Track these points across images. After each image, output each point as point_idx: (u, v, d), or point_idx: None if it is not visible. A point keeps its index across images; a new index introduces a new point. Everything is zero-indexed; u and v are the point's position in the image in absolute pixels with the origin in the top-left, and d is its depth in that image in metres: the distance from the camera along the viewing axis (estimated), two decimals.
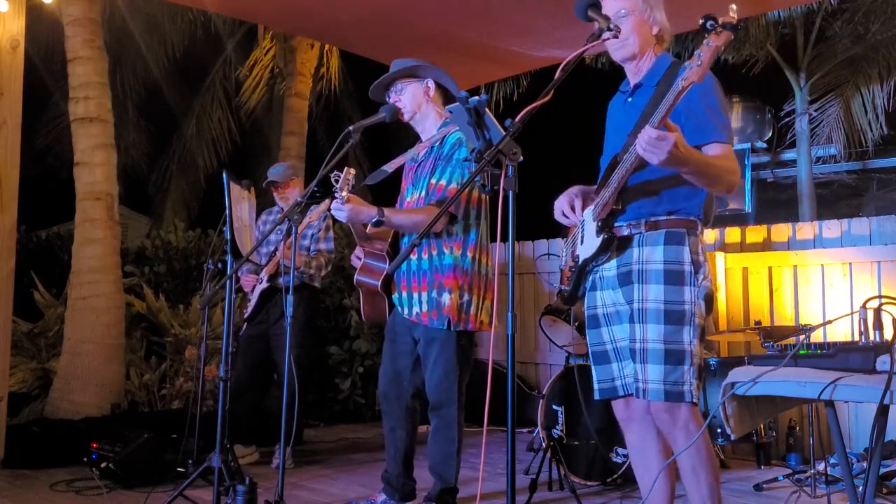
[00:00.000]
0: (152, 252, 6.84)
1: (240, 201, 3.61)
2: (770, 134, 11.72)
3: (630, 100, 2.41)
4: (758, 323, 4.00)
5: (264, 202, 4.82)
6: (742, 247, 4.93)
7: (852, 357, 2.06)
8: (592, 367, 2.47)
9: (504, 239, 1.88)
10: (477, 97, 2.20)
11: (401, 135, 9.07)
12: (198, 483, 3.26)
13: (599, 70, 9.15)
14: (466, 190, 3.08)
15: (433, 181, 3.15)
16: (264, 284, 4.36)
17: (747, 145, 10.04)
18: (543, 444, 3.72)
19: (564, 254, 2.59)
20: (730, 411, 2.26)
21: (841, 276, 4.48)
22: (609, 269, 2.38)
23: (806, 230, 4.74)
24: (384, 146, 10.40)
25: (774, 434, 4.25)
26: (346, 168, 2.93)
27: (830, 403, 2.21)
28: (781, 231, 4.82)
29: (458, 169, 3.09)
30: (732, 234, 5.00)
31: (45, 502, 3.47)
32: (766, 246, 4.84)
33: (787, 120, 10.91)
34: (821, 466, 3.54)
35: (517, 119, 1.92)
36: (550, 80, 1.95)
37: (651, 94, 2.27)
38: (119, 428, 4.02)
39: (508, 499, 1.82)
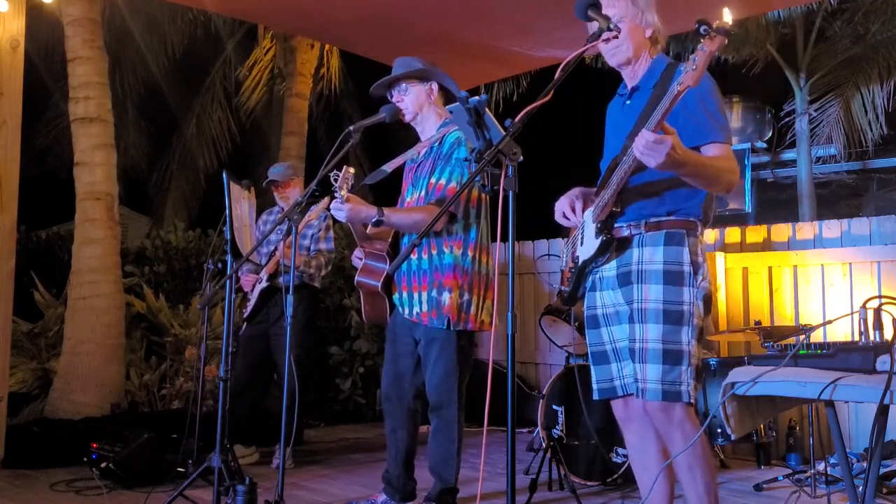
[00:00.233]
0: (152, 252, 6.84)
1: (240, 201, 3.61)
2: (770, 134, 11.73)
3: (628, 102, 2.42)
4: (758, 323, 3.99)
5: (264, 202, 4.82)
6: (742, 247, 4.94)
7: (852, 357, 2.06)
8: (591, 368, 2.47)
9: (504, 239, 1.88)
10: (477, 97, 2.20)
11: (401, 135, 9.06)
12: (198, 483, 3.26)
13: (599, 70, 9.12)
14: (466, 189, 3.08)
15: (432, 180, 3.15)
16: (264, 284, 4.36)
17: (747, 145, 10.04)
18: (543, 444, 3.72)
19: (565, 255, 2.59)
20: (730, 411, 2.26)
21: (841, 276, 4.48)
22: (609, 269, 2.39)
23: (806, 230, 4.74)
24: (384, 146, 10.39)
25: (774, 434, 4.25)
26: (344, 167, 2.93)
27: (830, 403, 2.21)
28: (781, 231, 4.82)
29: (458, 168, 3.09)
30: (732, 234, 5.00)
31: (45, 502, 3.47)
32: (766, 246, 4.84)
33: (787, 120, 10.92)
34: (821, 466, 3.54)
35: (517, 119, 1.92)
36: (550, 80, 1.95)
37: (648, 97, 2.28)
38: (119, 428, 4.02)
39: (508, 499, 1.82)
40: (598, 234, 2.34)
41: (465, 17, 4.75)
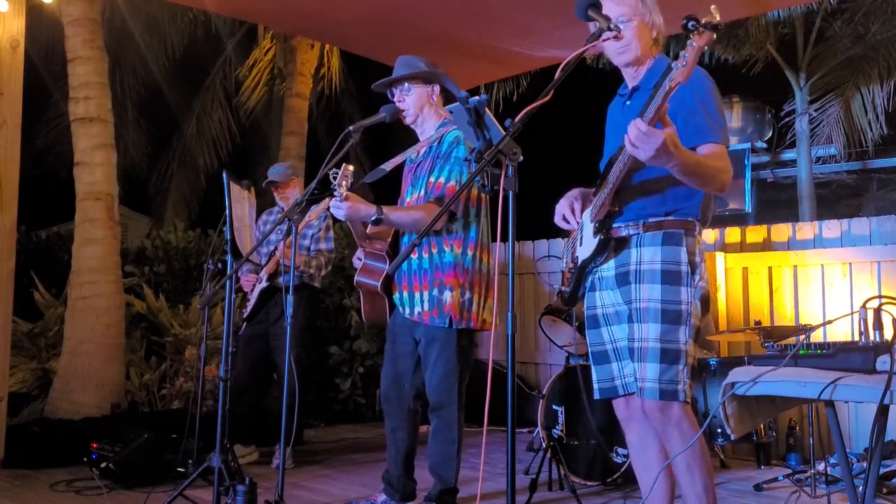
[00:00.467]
0: (152, 252, 6.84)
1: (240, 201, 3.61)
2: (770, 134, 11.73)
3: (628, 103, 2.42)
4: (758, 323, 3.99)
5: (264, 202, 4.82)
6: (742, 247, 4.94)
7: (852, 357, 2.06)
8: (592, 367, 2.48)
9: (504, 239, 1.88)
10: (477, 97, 2.20)
11: (401, 134, 9.06)
12: (198, 483, 3.26)
13: (599, 70, 9.14)
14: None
15: (432, 179, 3.14)
16: (264, 284, 4.36)
17: (747, 145, 10.01)
18: (543, 444, 3.72)
19: (565, 255, 2.59)
20: (730, 411, 2.27)
21: (841, 276, 4.48)
22: (608, 269, 2.39)
23: (806, 230, 4.74)
24: (384, 146, 10.39)
25: (774, 434, 4.25)
26: (343, 164, 2.92)
27: (830, 403, 2.21)
28: (781, 231, 4.82)
29: (457, 166, 3.09)
30: (732, 234, 5.00)
31: (45, 502, 3.47)
32: (766, 246, 4.84)
33: (787, 120, 10.92)
34: (821, 466, 3.54)
35: (517, 119, 1.92)
36: (550, 80, 1.95)
37: (648, 97, 2.27)
38: (119, 428, 4.02)
39: (508, 499, 1.82)
40: (595, 233, 2.34)
41: (465, 17, 4.76)
